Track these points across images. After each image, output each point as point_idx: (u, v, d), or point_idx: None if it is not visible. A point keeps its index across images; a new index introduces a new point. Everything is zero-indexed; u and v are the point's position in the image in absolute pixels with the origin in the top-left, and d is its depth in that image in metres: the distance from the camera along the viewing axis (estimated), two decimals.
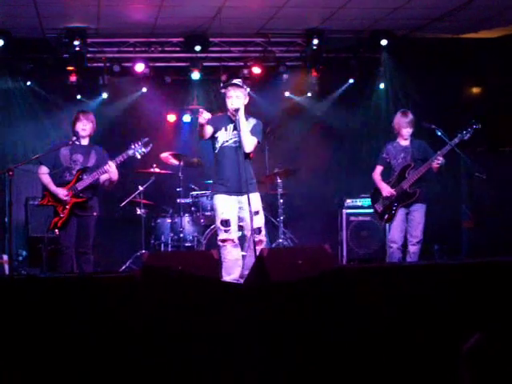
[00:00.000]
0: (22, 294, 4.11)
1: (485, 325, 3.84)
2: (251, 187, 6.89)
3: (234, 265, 6.77)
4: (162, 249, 9.48)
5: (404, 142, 8.12)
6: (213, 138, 7.07)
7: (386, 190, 8.07)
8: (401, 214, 8.01)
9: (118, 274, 7.29)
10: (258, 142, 7.07)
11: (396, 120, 8.15)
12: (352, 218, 10.23)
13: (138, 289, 4.16)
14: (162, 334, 4.02)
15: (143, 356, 3.98)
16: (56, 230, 7.40)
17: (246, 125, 6.91)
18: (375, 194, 8.29)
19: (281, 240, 9.47)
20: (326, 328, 4.14)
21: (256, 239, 6.73)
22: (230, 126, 7.01)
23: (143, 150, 7.60)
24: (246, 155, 6.94)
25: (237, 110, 6.81)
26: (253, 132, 6.99)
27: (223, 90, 7.06)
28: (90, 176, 7.43)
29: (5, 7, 8.58)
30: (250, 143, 6.92)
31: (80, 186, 7.39)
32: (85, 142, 7.60)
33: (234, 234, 6.89)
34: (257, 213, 6.83)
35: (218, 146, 7.03)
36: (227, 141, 6.99)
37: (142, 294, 4.12)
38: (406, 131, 8.04)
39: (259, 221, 6.89)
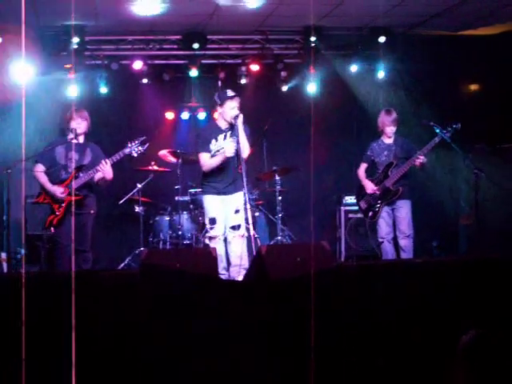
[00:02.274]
0: (20, 291, 4.11)
1: (482, 321, 3.85)
2: (238, 187, 7.30)
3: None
4: (161, 246, 9.47)
5: (388, 140, 8.28)
6: None
7: (369, 187, 8.26)
8: (385, 210, 8.17)
9: (117, 272, 7.30)
10: (251, 146, 7.39)
11: (380, 118, 8.35)
12: (350, 215, 10.25)
13: (136, 286, 4.17)
14: (160, 330, 4.02)
15: (142, 352, 3.98)
16: (52, 228, 7.40)
17: (243, 132, 7.17)
18: (359, 192, 8.47)
19: (279, 237, 9.47)
20: (325, 325, 4.14)
21: (235, 234, 7.24)
22: (221, 136, 7.34)
23: (140, 148, 7.62)
24: (241, 160, 7.17)
25: (236, 117, 7.09)
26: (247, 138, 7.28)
27: (221, 102, 7.29)
28: (85, 174, 7.42)
29: (2, 5, 8.56)
30: (247, 149, 7.20)
31: (76, 184, 7.38)
32: (80, 139, 7.60)
33: (220, 230, 7.28)
34: (237, 211, 7.30)
35: (210, 155, 7.34)
36: (218, 150, 7.30)
37: (140, 291, 4.12)
38: (390, 129, 8.22)
39: (239, 218, 7.30)
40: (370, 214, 8.25)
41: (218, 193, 7.31)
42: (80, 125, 7.52)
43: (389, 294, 4.32)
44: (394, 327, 4.24)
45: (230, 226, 7.27)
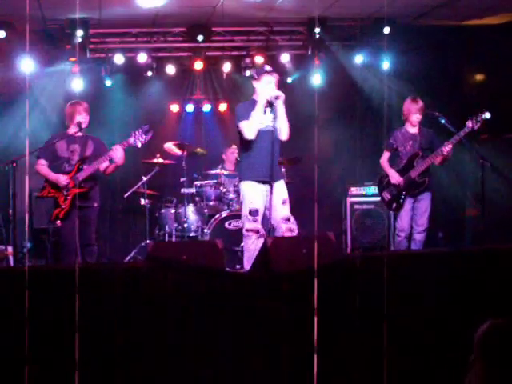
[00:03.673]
0: (27, 284, 4.12)
1: (492, 311, 3.83)
2: (279, 173, 6.99)
3: None
4: (166, 239, 9.47)
5: (412, 129, 8.03)
6: None
7: (395, 177, 7.98)
8: (409, 202, 7.94)
9: (123, 265, 7.31)
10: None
11: (406, 106, 8.05)
12: (356, 207, 10.24)
13: (142, 279, 4.17)
14: (166, 322, 4.02)
15: (147, 344, 3.99)
16: (58, 221, 7.38)
17: (285, 113, 6.89)
18: (382, 182, 8.22)
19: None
20: (330, 317, 4.14)
21: (285, 227, 6.83)
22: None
23: (144, 137, 7.56)
24: (280, 141, 6.97)
25: (277, 98, 6.79)
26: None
27: (257, 77, 7.02)
28: (90, 166, 7.41)
29: None
30: (286, 132, 6.96)
31: (81, 176, 7.37)
32: (81, 133, 7.57)
33: (260, 223, 6.89)
34: (285, 202, 6.92)
35: None
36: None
37: (146, 284, 4.12)
38: (416, 117, 7.93)
39: (287, 209, 6.94)
40: (394, 205, 7.98)
41: (260, 180, 6.88)
42: (85, 119, 7.52)
43: (396, 286, 4.31)
44: (402, 320, 4.24)
45: (280, 218, 6.84)
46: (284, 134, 6.93)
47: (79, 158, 7.44)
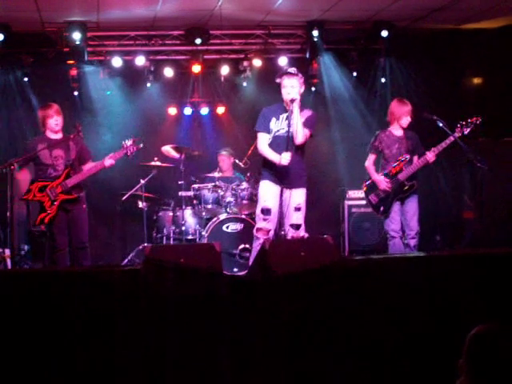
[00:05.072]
0: (24, 287, 4.12)
1: (486, 314, 3.84)
2: (298, 181, 6.94)
3: None
4: (164, 242, 9.47)
5: (398, 132, 7.90)
6: None
7: (383, 183, 7.84)
8: (396, 204, 7.86)
9: (120, 268, 7.31)
10: (311, 135, 7.05)
11: (394, 108, 7.91)
12: (354, 210, 10.23)
13: (139, 282, 4.17)
14: (164, 325, 4.02)
15: (145, 347, 3.99)
16: (42, 226, 7.36)
17: (299, 116, 6.83)
18: (369, 185, 8.11)
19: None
20: (330, 319, 4.14)
21: (294, 235, 6.76)
22: (283, 116, 6.98)
23: (135, 148, 7.59)
24: (298, 146, 6.90)
25: (292, 101, 6.73)
26: (306, 124, 6.94)
27: (278, 80, 6.98)
28: (80, 173, 7.40)
29: (4, 1, 8.55)
30: (301, 135, 6.85)
31: (70, 183, 7.36)
32: (59, 135, 7.55)
33: (273, 224, 6.88)
34: (298, 209, 6.85)
35: (270, 135, 7.03)
36: (278, 130, 6.99)
37: (143, 287, 4.12)
38: (407, 120, 7.79)
39: (299, 217, 6.88)
40: (382, 208, 7.88)
41: (278, 182, 6.87)
42: (58, 121, 7.49)
43: (394, 289, 4.31)
44: (397, 320, 4.24)
45: (289, 224, 6.80)
46: (299, 137, 6.83)
47: (67, 164, 7.41)
